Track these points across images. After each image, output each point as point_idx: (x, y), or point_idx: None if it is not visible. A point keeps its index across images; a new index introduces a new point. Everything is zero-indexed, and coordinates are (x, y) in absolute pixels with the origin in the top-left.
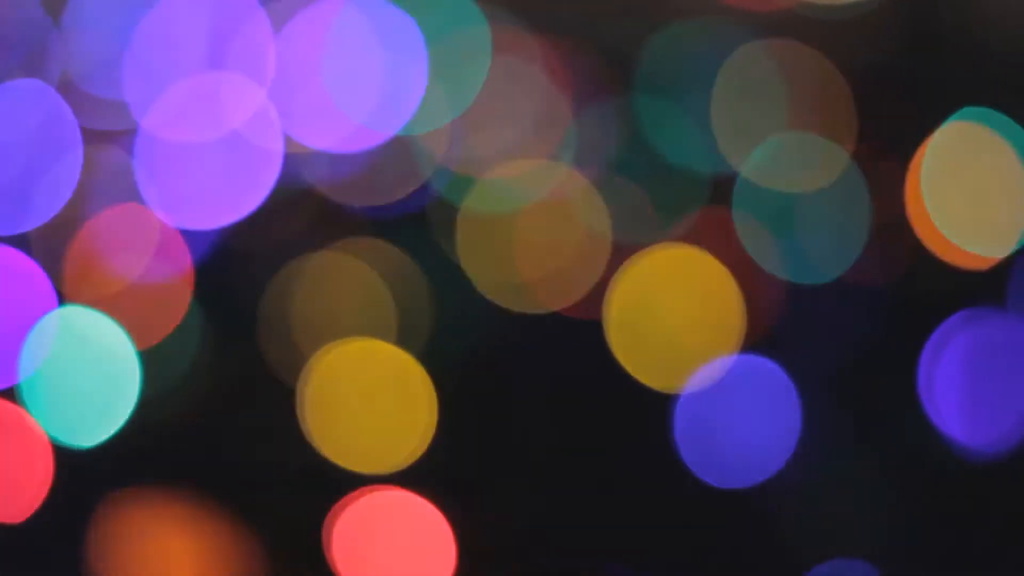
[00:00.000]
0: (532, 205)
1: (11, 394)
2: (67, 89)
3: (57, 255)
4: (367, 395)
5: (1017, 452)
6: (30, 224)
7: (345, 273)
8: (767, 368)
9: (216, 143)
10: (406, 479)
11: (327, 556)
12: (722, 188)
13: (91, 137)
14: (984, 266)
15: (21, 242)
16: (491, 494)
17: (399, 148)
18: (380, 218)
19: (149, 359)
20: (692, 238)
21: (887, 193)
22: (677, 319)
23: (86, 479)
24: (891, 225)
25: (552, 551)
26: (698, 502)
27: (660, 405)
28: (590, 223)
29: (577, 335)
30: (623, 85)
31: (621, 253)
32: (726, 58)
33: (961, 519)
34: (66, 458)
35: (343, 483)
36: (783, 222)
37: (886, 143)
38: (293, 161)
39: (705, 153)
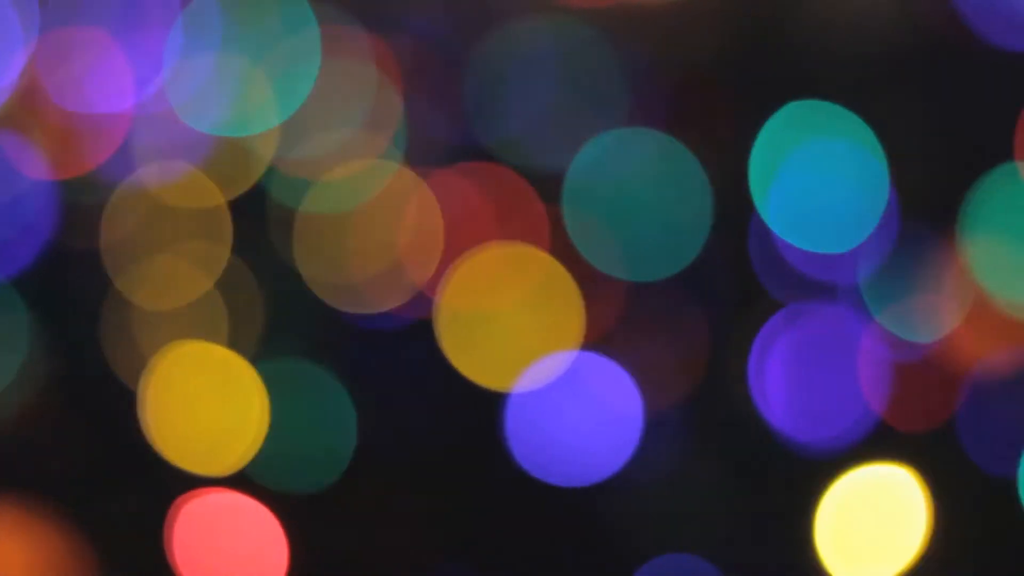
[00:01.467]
0: (363, 205)
1: None
2: None
3: None
4: (199, 398)
5: (850, 448)
6: None
7: (177, 275)
8: (605, 366)
9: (47, 146)
10: (239, 481)
11: (165, 558)
12: (554, 185)
13: None
14: (822, 262)
15: None
16: (324, 496)
17: (230, 150)
18: (212, 219)
19: None
20: (524, 235)
21: (726, 188)
22: (509, 317)
23: None
24: (730, 220)
25: (386, 552)
26: (534, 501)
27: (493, 404)
28: (421, 222)
29: (410, 334)
30: (456, 84)
31: (453, 251)
32: (559, 54)
33: (795, 515)
34: None
35: (180, 485)
36: (616, 218)
37: (723, 137)
38: (124, 163)
39: (537, 150)
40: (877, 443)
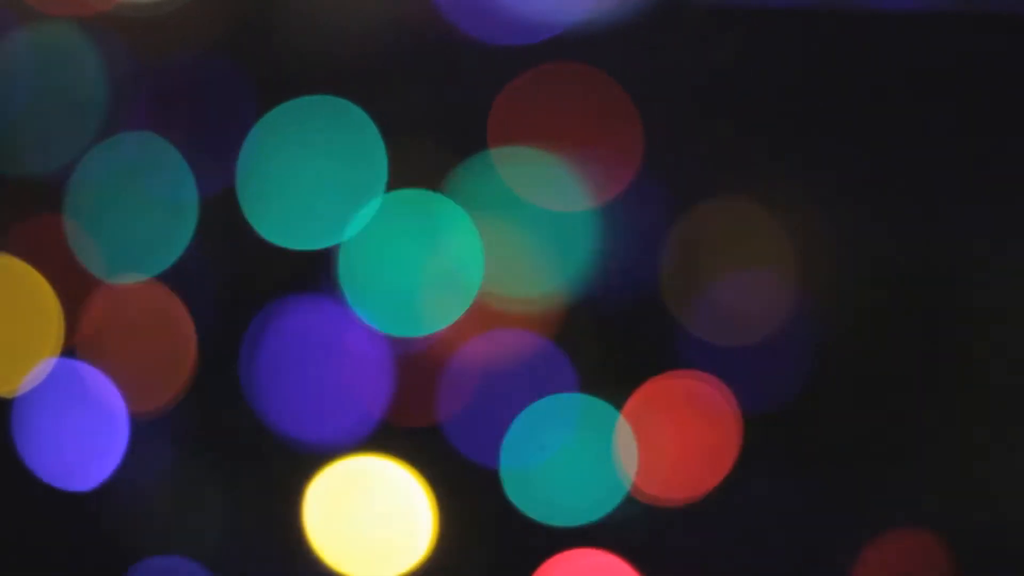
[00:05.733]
0: None
1: None
2: None
3: None
4: None
5: (349, 444)
6: None
7: None
8: (86, 371)
9: None
10: None
11: None
12: (54, 193)
13: None
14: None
15: None
16: None
17: None
18: None
19: None
20: (15, 246)
21: (215, 189)
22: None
23: None
24: (218, 219)
25: None
26: (40, 503)
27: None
28: None
29: None
30: None
31: None
32: (40, 62)
33: (288, 513)
34: None
35: None
36: (102, 223)
37: (212, 140)
38: None
39: (21, 158)
40: (376, 439)
